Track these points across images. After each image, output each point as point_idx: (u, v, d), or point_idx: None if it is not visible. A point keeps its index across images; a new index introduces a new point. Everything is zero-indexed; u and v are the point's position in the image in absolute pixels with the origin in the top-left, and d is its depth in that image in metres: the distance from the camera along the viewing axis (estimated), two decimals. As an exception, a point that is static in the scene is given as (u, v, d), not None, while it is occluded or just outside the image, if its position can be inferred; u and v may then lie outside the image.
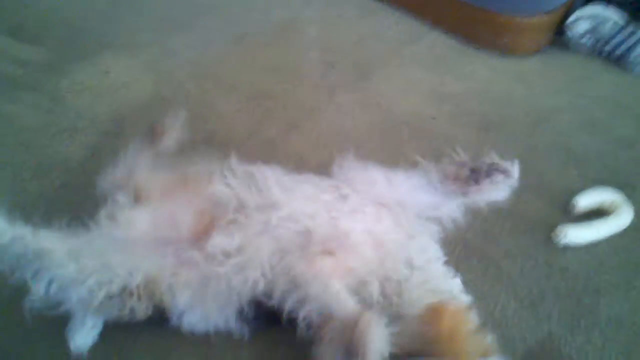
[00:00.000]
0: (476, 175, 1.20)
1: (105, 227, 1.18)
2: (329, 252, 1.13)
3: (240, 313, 1.16)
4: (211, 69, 1.82)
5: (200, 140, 1.49)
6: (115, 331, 1.20)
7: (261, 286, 1.13)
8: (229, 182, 1.25)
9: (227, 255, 1.14)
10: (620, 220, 1.42)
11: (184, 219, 1.21)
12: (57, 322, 1.18)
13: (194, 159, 1.30)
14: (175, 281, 1.12)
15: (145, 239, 1.18)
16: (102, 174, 1.27)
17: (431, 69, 1.89)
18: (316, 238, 1.15)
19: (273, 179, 1.24)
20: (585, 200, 1.45)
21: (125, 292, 1.08)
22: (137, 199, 1.23)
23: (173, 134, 1.33)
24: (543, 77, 1.87)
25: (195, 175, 1.28)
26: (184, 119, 1.34)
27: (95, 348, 1.19)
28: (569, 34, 1.91)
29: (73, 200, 1.41)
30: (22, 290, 1.11)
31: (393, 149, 1.61)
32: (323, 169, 1.50)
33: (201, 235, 1.18)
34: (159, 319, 1.13)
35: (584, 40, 1.90)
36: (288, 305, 1.13)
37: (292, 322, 1.14)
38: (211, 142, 1.43)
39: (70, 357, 1.18)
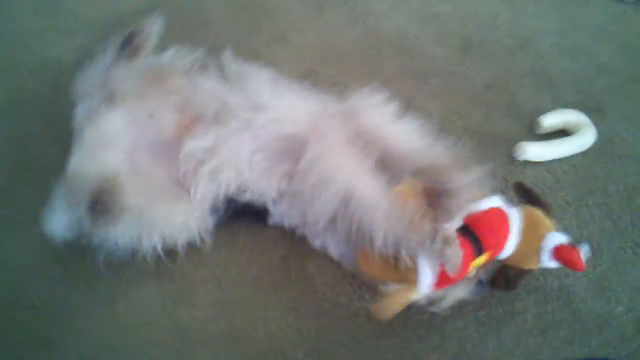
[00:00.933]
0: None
1: (83, 128, 1.23)
2: None
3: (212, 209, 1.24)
4: (207, -22, 1.87)
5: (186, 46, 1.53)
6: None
7: (234, 187, 1.21)
8: (212, 82, 1.29)
9: (201, 161, 1.19)
10: (582, 140, 1.47)
11: (165, 116, 1.26)
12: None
13: (168, 56, 1.36)
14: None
15: (124, 139, 1.23)
16: (75, 78, 1.32)
17: (423, -12, 1.90)
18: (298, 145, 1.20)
19: (265, 82, 1.28)
20: (550, 119, 1.50)
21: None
22: (112, 101, 1.25)
23: (151, 45, 1.36)
24: (533, 0, 1.88)
25: (170, 72, 1.32)
26: (162, 28, 1.38)
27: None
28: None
29: (64, 99, 1.50)
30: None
31: (372, 66, 1.66)
32: (301, 80, 1.58)
33: (184, 133, 1.23)
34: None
35: (578, -35, 1.88)
36: (270, 205, 1.23)
37: (262, 215, 1.26)
38: (197, 49, 1.48)
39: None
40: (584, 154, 1.48)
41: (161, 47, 1.40)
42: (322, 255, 1.27)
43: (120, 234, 1.16)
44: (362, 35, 1.74)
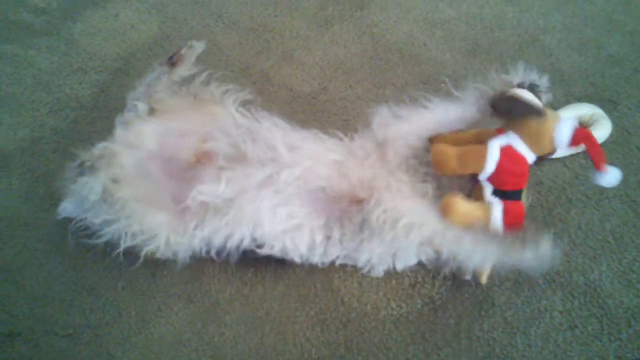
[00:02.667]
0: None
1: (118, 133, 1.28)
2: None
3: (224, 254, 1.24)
4: (213, 6, 1.90)
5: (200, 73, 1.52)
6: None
7: (247, 242, 1.20)
8: (230, 131, 1.27)
9: (213, 207, 1.19)
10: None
11: (189, 140, 1.28)
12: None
13: (208, 83, 1.41)
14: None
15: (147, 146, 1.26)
16: (130, 88, 1.38)
17: (426, -4, 1.92)
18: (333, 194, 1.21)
19: (278, 136, 1.25)
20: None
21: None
22: (152, 112, 1.31)
23: (188, 63, 1.41)
24: (537, -2, 1.89)
25: (207, 98, 1.36)
26: (200, 51, 1.44)
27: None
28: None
29: (84, 131, 1.55)
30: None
31: (382, 76, 1.68)
32: (312, 98, 1.62)
33: (197, 162, 1.25)
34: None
35: (580, -41, 1.88)
36: (297, 259, 1.23)
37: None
38: (210, 75, 1.51)
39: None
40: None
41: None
42: (347, 266, 1.29)
43: (98, 214, 1.19)
44: (370, 47, 1.76)
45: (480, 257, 1.11)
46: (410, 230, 1.11)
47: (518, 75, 1.19)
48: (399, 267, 1.24)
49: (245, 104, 1.39)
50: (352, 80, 1.67)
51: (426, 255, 1.21)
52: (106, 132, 1.30)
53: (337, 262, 1.26)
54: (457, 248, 1.11)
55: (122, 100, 1.36)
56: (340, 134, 1.32)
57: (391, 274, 1.28)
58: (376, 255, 1.20)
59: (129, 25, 1.86)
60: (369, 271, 1.26)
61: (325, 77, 1.68)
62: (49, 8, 1.92)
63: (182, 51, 1.41)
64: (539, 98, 1.16)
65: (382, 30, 1.81)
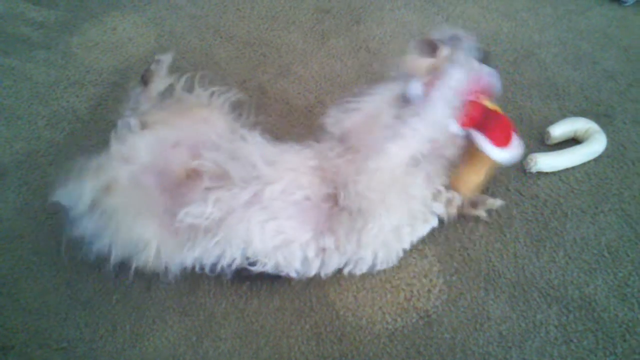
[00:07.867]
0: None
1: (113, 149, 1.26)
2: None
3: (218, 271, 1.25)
4: (211, 20, 1.92)
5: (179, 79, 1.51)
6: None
7: (238, 261, 1.21)
8: (214, 150, 1.28)
9: (207, 230, 1.20)
10: (593, 147, 1.47)
11: (178, 154, 1.28)
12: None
13: (191, 87, 1.44)
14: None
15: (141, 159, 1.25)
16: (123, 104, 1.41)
17: (422, 11, 1.93)
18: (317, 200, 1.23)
19: (257, 154, 1.26)
20: (559, 129, 1.50)
21: None
22: (144, 126, 1.31)
23: (160, 77, 1.42)
24: (533, 13, 1.90)
25: (195, 104, 1.39)
26: (168, 63, 1.45)
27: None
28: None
29: (80, 145, 1.55)
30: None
31: (378, 89, 1.69)
32: (308, 112, 1.63)
33: (187, 177, 1.26)
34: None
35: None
36: (292, 273, 1.24)
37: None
38: (192, 78, 1.51)
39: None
40: (596, 161, 1.48)
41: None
42: (343, 280, 1.29)
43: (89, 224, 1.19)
44: (366, 61, 1.77)
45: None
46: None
47: (440, 33, 1.30)
48: (409, 238, 1.28)
49: (235, 105, 1.44)
50: (348, 94, 1.67)
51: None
52: (103, 145, 1.28)
53: (344, 271, 1.27)
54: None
55: (119, 114, 1.37)
56: (312, 141, 1.35)
57: (386, 288, 1.29)
58: (380, 243, 1.21)
59: (127, 38, 1.87)
60: (381, 265, 1.27)
61: (321, 90, 1.69)
62: (47, 21, 1.94)
63: (152, 67, 1.43)
64: (457, 48, 1.25)
65: (378, 44, 1.82)
